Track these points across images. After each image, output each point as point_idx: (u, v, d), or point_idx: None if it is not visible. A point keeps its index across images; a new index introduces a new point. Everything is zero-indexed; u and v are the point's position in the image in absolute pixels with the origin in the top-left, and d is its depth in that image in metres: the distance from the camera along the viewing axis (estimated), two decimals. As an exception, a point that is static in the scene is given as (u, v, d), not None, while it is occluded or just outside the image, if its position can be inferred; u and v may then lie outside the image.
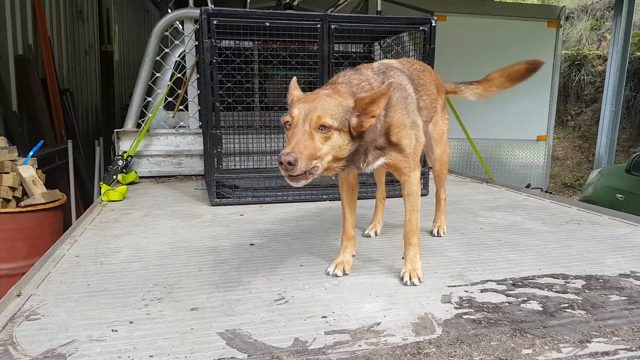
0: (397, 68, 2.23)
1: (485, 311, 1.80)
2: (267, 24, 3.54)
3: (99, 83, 9.79)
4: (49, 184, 5.53)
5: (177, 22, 4.85)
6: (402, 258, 2.20)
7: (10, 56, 6.16)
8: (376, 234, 2.90)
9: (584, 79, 16.25)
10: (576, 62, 16.29)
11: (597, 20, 17.22)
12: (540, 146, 8.36)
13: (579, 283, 2.11)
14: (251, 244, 2.64)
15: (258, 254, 2.46)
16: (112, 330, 1.63)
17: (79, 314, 1.77)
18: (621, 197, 6.51)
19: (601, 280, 2.15)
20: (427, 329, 1.65)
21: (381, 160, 2.08)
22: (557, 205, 3.69)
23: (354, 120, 1.85)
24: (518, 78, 2.84)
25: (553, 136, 8.88)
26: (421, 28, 3.79)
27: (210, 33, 3.42)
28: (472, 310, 1.80)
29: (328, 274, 2.17)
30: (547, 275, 2.20)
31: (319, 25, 3.59)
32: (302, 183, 1.77)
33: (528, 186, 7.93)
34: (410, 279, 2.07)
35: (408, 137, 2.10)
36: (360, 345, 1.53)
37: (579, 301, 1.91)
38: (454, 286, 2.06)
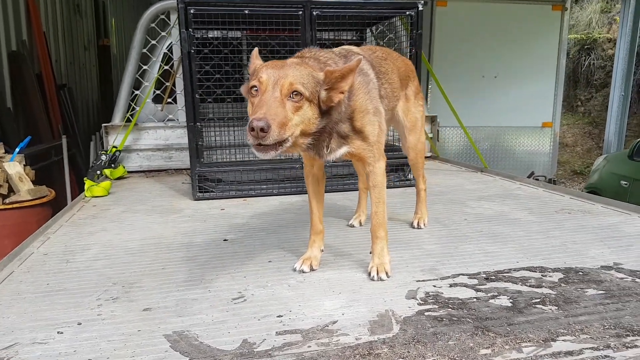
0: (357, 53, 2.15)
1: (450, 307, 1.72)
2: (246, 12, 3.45)
3: (98, 78, 9.78)
4: (45, 180, 5.53)
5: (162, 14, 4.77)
6: (370, 252, 2.13)
7: (3, 52, 6.14)
8: (360, 224, 2.83)
9: (594, 63, 15.92)
10: (586, 46, 15.96)
11: (607, 2, 16.82)
12: (545, 133, 8.17)
13: (556, 276, 2.02)
14: (225, 240, 2.58)
15: (228, 250, 2.40)
16: (58, 332, 1.58)
17: (30, 315, 1.72)
18: (626, 184, 6.36)
19: (580, 273, 2.05)
20: (384, 327, 1.57)
21: (344, 149, 2.00)
22: (550, 193, 3.58)
23: (323, 94, 1.77)
24: None
25: (560, 123, 8.69)
26: (407, 13, 3.68)
27: (188, 23, 3.35)
28: (436, 307, 1.72)
29: (295, 270, 2.10)
30: (523, 269, 2.11)
31: (300, 12, 3.50)
32: (271, 155, 1.65)
33: (531, 174, 7.78)
34: (377, 273, 1.99)
35: (371, 123, 2.02)
36: (309, 346, 1.46)
37: (552, 296, 1.82)
38: (423, 280, 1.98)
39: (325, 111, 1.81)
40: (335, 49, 2.12)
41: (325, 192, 3.41)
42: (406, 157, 2.80)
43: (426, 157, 5.29)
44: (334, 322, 1.61)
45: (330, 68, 1.82)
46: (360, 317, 1.65)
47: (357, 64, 1.80)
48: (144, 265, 2.19)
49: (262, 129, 1.56)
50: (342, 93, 1.81)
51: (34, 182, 4.33)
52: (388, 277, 2.00)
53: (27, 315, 1.72)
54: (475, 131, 7.80)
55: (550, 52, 7.81)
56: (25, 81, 6.42)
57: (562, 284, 1.94)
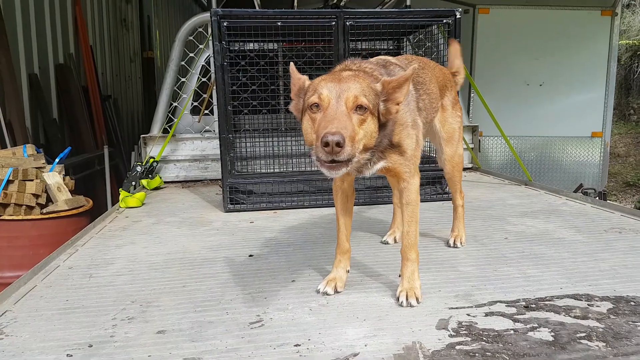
0: (395, 64, 2.05)
1: (484, 340, 1.57)
2: (279, 24, 3.40)
3: (142, 89, 10.03)
4: (88, 189, 5.67)
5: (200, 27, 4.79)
6: (399, 275, 1.99)
7: (51, 65, 6.36)
8: (395, 241, 2.70)
9: (647, 70, 15.15)
10: (638, 53, 15.20)
11: (662, 6, 16.03)
12: (595, 143, 7.77)
13: (605, 306, 1.83)
14: (250, 255, 2.51)
15: (252, 267, 2.32)
16: (67, 354, 1.53)
17: (43, 334, 1.68)
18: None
19: (632, 303, 1.85)
20: (409, 363, 1.44)
21: (381, 164, 1.90)
22: (599, 210, 3.34)
23: (382, 106, 1.71)
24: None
25: (611, 132, 8.25)
26: (444, 21, 3.54)
27: (221, 35, 3.33)
28: (469, 340, 1.58)
29: (318, 291, 1.99)
30: (567, 296, 1.93)
31: (333, 23, 3.42)
32: (342, 172, 1.58)
33: (580, 187, 7.40)
34: (406, 299, 1.86)
35: (410, 137, 1.92)
36: (325, 382, 1.35)
37: (600, 330, 1.64)
38: (456, 308, 1.83)
39: (382, 125, 1.74)
40: (372, 59, 2.03)
41: (358, 205, 3.30)
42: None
43: (467, 169, 5.14)
44: (355, 355, 1.49)
45: (387, 79, 1.74)
46: (384, 350, 1.52)
47: (412, 72, 1.73)
48: (164, 283, 2.14)
49: (337, 144, 1.48)
50: (398, 104, 1.74)
51: (74, 192, 4.41)
52: (418, 303, 1.86)
53: (39, 334, 1.68)
54: (521, 141, 7.52)
55: (600, 59, 7.45)
56: (71, 93, 6.62)
57: (611, 316, 1.76)
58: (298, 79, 1.80)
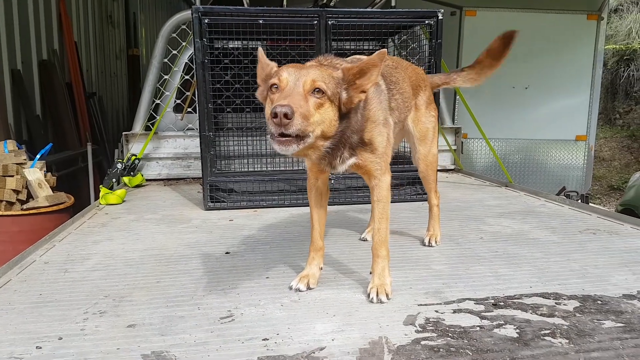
0: None
1: (450, 336, 1.60)
2: (261, 22, 3.41)
3: (128, 87, 9.97)
4: (71, 186, 5.63)
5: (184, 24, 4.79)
6: (370, 272, 2.02)
7: (34, 61, 6.31)
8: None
9: (633, 74, 15.35)
10: (625, 57, 15.41)
11: (648, 12, 16.26)
12: (579, 147, 7.85)
13: (572, 305, 1.87)
14: (226, 253, 2.52)
15: (227, 264, 2.33)
16: (37, 347, 1.53)
17: (14, 327, 1.68)
18: (664, 202, 6.02)
19: (599, 302, 1.89)
20: (374, 357, 1.46)
21: (352, 160, 1.92)
22: (576, 212, 3.39)
23: (344, 95, 1.72)
24: (498, 53, 2.60)
25: (597, 136, 8.35)
26: (427, 22, 3.57)
27: (202, 33, 3.33)
28: (435, 335, 1.60)
29: (291, 288, 2.01)
30: (537, 295, 1.96)
31: (315, 22, 3.44)
32: (292, 149, 1.59)
33: (563, 189, 7.48)
34: (376, 295, 1.88)
35: (381, 134, 1.94)
36: (290, 375, 1.37)
37: (564, 327, 1.67)
38: (425, 304, 1.86)
39: (344, 114, 1.75)
40: (347, 58, 2.05)
41: (339, 204, 3.32)
42: None
43: (449, 170, 5.19)
44: (322, 349, 1.51)
45: (347, 65, 1.76)
46: (350, 344, 1.54)
47: (380, 58, 1.72)
48: (139, 278, 2.14)
49: (285, 115, 1.51)
50: (364, 92, 1.75)
51: (57, 189, 4.38)
52: (388, 299, 1.89)
53: (11, 327, 1.68)
54: (506, 144, 7.58)
55: (585, 63, 7.53)
56: (54, 89, 6.58)
57: (577, 314, 1.79)
58: (267, 64, 1.82)
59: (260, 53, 1.87)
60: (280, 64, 1.87)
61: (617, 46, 15.97)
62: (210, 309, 1.82)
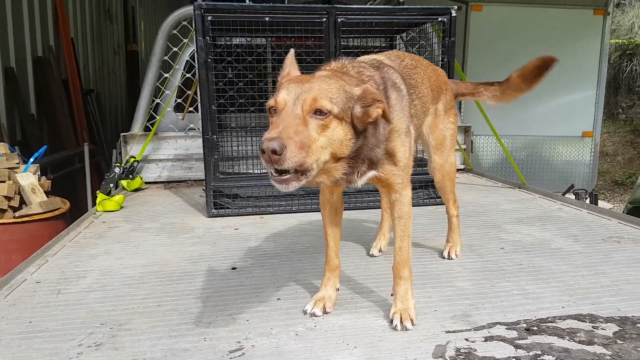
0: (388, 65, 1.89)
1: (486, 373, 1.44)
2: (267, 19, 3.23)
3: (126, 83, 9.77)
4: (67, 188, 5.45)
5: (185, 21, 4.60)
6: (392, 294, 1.85)
7: (28, 58, 6.11)
8: (380, 251, 2.55)
9: (636, 69, 15.17)
10: (628, 52, 15.22)
11: (651, 5, 16.06)
12: (585, 143, 7.72)
13: (610, 329, 1.71)
14: (233, 268, 2.35)
15: (234, 282, 2.16)
16: (25, 391, 1.37)
17: (1, 364, 1.52)
18: (676, 201, 5.86)
19: (638, 325, 1.73)
20: (404, 401, 1.30)
21: (371, 173, 1.73)
22: (595, 217, 3.23)
23: (357, 110, 1.50)
24: (531, 78, 2.38)
25: (601, 131, 8.20)
26: (439, 19, 3.39)
27: (205, 30, 3.15)
28: (469, 371, 1.45)
29: (305, 312, 1.84)
30: (570, 317, 1.80)
31: (324, 19, 3.26)
32: (292, 187, 1.39)
33: (571, 187, 7.33)
34: (400, 322, 1.71)
35: (404, 145, 1.77)
36: None
37: (607, 358, 1.52)
38: (454, 332, 1.69)
39: (361, 131, 1.55)
40: (365, 58, 1.88)
41: (350, 209, 3.13)
42: None
43: (459, 170, 5.01)
44: (345, 390, 1.35)
45: (371, 89, 1.54)
46: (376, 384, 1.38)
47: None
48: (138, 301, 1.97)
49: (273, 151, 1.30)
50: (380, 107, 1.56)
51: (52, 192, 4.20)
52: (413, 325, 1.72)
53: (-3, 364, 1.52)
54: (512, 140, 7.43)
55: (591, 59, 7.38)
56: (50, 87, 6.38)
57: (618, 341, 1.63)
58: (287, 74, 1.63)
59: (289, 57, 1.68)
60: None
61: (620, 41, 15.79)
62: (217, 339, 1.65)
